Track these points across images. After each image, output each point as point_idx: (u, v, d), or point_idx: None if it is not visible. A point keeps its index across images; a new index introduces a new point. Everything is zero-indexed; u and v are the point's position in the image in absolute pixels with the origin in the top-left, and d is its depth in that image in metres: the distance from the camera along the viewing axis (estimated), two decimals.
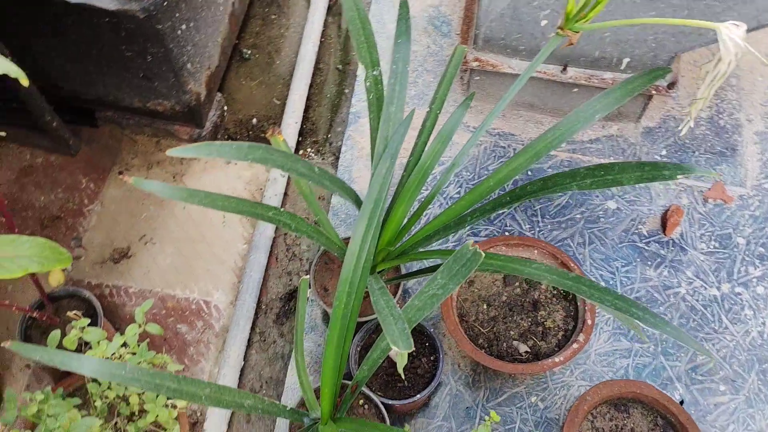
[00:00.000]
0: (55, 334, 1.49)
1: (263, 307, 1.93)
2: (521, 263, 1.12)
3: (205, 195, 1.16)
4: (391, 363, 1.59)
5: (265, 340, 1.89)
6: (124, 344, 1.50)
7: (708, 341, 1.71)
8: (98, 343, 1.46)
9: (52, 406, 1.39)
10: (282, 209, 1.30)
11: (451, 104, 2.03)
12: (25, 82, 1.12)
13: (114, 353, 1.48)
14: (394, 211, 1.43)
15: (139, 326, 1.51)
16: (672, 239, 1.83)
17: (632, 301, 0.99)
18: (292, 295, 1.95)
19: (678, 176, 1.03)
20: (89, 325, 1.61)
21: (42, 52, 1.88)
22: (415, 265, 1.81)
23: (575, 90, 1.91)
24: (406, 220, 1.44)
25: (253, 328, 1.90)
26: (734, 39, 0.76)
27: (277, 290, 1.96)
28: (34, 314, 1.63)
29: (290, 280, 1.97)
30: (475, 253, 0.99)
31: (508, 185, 1.67)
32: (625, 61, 1.79)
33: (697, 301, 1.75)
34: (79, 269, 1.97)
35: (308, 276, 1.35)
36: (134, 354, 1.50)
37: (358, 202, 1.22)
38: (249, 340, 1.88)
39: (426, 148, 1.40)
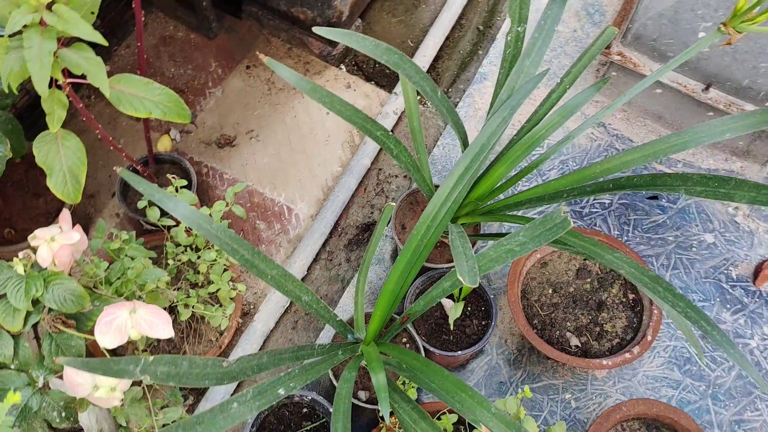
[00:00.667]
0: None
1: (339, 229, 1.99)
2: (603, 248, 1.12)
3: (327, 93, 1.20)
4: (443, 315, 1.62)
5: (331, 260, 1.96)
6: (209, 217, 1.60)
7: (762, 400, 1.65)
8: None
9: (132, 248, 1.49)
10: (390, 133, 1.33)
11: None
12: None
13: None
14: (494, 170, 1.44)
15: (227, 205, 1.59)
16: (760, 290, 1.76)
17: (703, 314, 0.97)
18: (368, 227, 2.00)
19: None
20: (187, 191, 1.71)
21: None
22: (495, 230, 1.82)
23: (710, 113, 1.84)
24: (501, 183, 1.45)
25: (324, 246, 1.96)
26: None
27: (357, 218, 2.01)
28: (138, 167, 1.75)
29: (371, 212, 2.02)
30: (564, 221, 0.99)
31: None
32: None
33: (765, 358, 1.69)
34: (185, 143, 2.09)
35: (393, 203, 1.38)
36: None
37: (465, 142, 1.24)
38: (317, 255, 1.95)
39: (544, 119, 1.40)
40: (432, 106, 2.20)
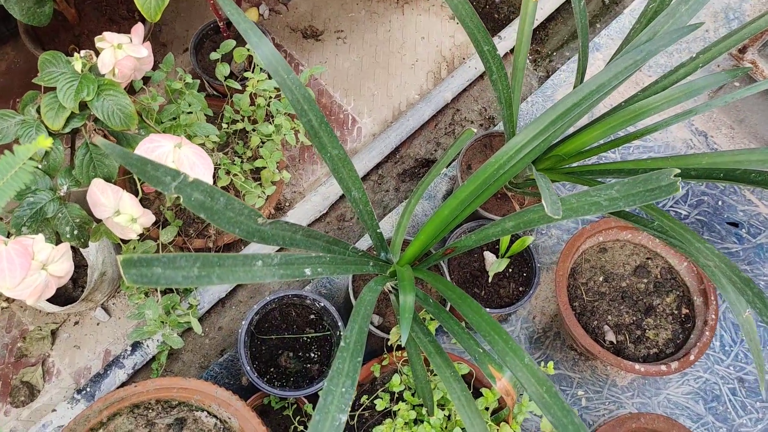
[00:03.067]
0: (230, 41, 1.50)
1: (397, 156, 1.89)
2: (693, 235, 1.00)
3: None
4: (482, 267, 1.52)
5: (380, 184, 1.86)
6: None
7: None
8: (260, 70, 1.47)
9: (193, 95, 1.41)
10: (497, 53, 1.21)
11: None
12: None
13: (266, 89, 1.49)
14: (589, 131, 1.31)
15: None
16: None
17: None
18: (427, 163, 1.89)
19: None
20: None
21: None
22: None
23: None
24: (594, 145, 1.33)
25: (377, 167, 1.86)
26: None
27: (419, 150, 1.90)
28: (221, 24, 1.66)
29: (435, 149, 1.91)
30: (672, 185, 0.87)
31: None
32: None
33: None
34: (272, 23, 1.99)
35: (474, 129, 1.27)
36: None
37: (583, 76, 1.11)
38: (368, 175, 1.85)
39: (664, 91, 1.26)
40: (530, 65, 2.06)
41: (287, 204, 1.78)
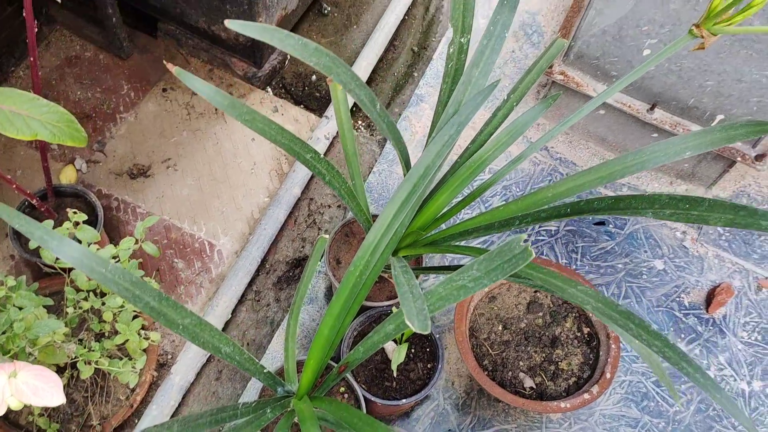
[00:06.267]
0: (48, 222, 1.38)
1: (267, 266, 1.81)
2: (567, 282, 0.99)
3: (248, 110, 1.04)
4: (384, 359, 1.46)
5: (259, 301, 1.77)
6: (116, 257, 1.39)
7: None
8: (89, 244, 1.35)
9: (21, 296, 1.28)
10: (321, 156, 1.18)
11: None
12: None
13: None
14: (436, 198, 1.30)
15: (136, 241, 1.40)
16: (713, 318, 1.68)
17: (684, 354, 0.85)
18: (300, 263, 1.83)
19: None
20: (88, 226, 1.51)
21: None
22: (437, 263, 1.68)
23: (654, 135, 1.78)
24: (445, 210, 1.32)
25: (250, 285, 1.78)
26: None
27: (287, 253, 1.84)
28: (34, 201, 1.53)
29: (303, 246, 1.85)
30: (525, 251, 0.86)
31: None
32: (718, 117, 1.65)
33: (725, 389, 1.60)
34: (93, 174, 1.87)
35: (326, 236, 1.23)
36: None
37: (407, 163, 1.10)
38: (243, 296, 1.76)
39: (490, 139, 1.28)
40: (365, 132, 2.06)
41: (169, 357, 1.66)
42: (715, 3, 0.80)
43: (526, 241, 0.87)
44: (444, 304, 0.95)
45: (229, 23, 0.80)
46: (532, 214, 1.15)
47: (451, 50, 1.20)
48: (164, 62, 0.97)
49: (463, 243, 1.67)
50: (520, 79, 1.25)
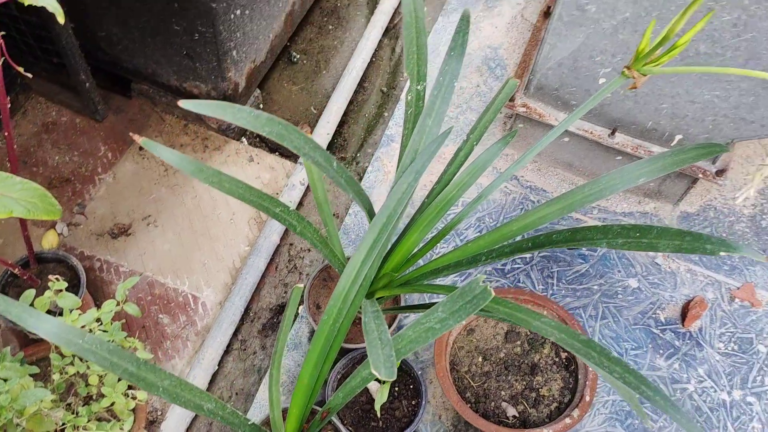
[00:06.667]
0: (30, 292, 1.41)
1: (251, 314, 1.84)
2: (530, 314, 1.03)
3: (214, 173, 1.08)
4: (370, 399, 1.49)
5: (245, 350, 1.80)
6: (99, 320, 1.42)
7: None
8: (70, 311, 1.38)
9: (5, 367, 1.30)
10: (291, 209, 1.22)
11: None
12: (61, 19, 1.07)
13: (84, 326, 1.40)
14: (407, 238, 1.34)
15: (118, 303, 1.42)
16: (689, 332, 1.72)
17: (643, 378, 0.88)
18: (283, 308, 1.86)
19: (720, 252, 0.94)
20: (69, 293, 1.54)
21: (94, 12, 1.85)
22: (416, 301, 1.72)
23: (618, 158, 1.83)
24: (416, 250, 1.36)
25: (235, 334, 1.80)
26: None
27: (270, 300, 1.87)
28: (16, 270, 1.56)
29: (285, 291, 1.89)
30: (484, 291, 0.90)
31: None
32: (677, 137, 1.71)
33: (704, 402, 1.63)
34: (75, 237, 1.91)
35: (301, 285, 1.26)
36: (105, 332, 1.42)
37: (371, 213, 1.14)
38: (229, 346, 1.79)
39: (454, 178, 1.32)
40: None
41: (159, 414, 1.67)
42: (641, 46, 0.85)
43: (485, 281, 0.91)
44: (414, 347, 0.98)
45: (182, 103, 0.85)
46: (497, 249, 1.19)
47: (410, 97, 1.25)
48: (132, 134, 1.01)
49: (437, 280, 1.71)
50: (478, 119, 1.31)
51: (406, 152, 1.12)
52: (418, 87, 1.23)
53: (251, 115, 0.87)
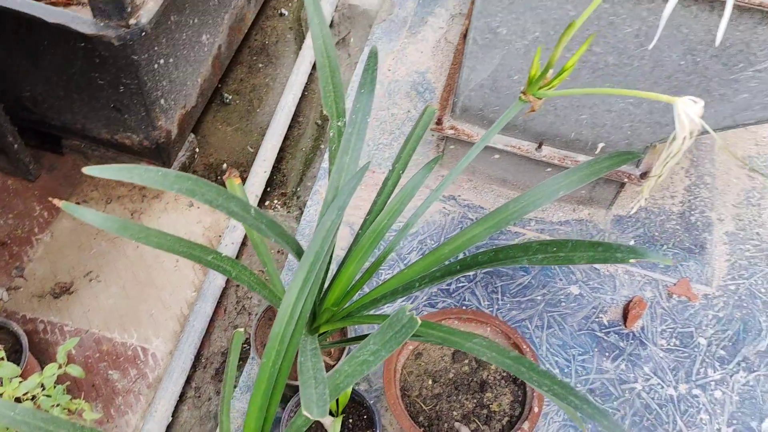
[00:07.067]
0: None
1: (203, 360, 1.83)
2: (462, 336, 1.05)
3: (139, 229, 1.09)
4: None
5: (199, 397, 1.78)
6: (42, 385, 1.40)
7: None
8: (10, 380, 1.36)
9: None
10: (223, 255, 1.23)
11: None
12: None
13: (27, 392, 1.37)
14: (344, 271, 1.36)
15: (60, 366, 1.41)
16: (632, 332, 1.77)
17: (570, 389, 0.92)
18: None
19: (630, 259, 0.98)
20: (13, 360, 1.52)
21: (14, 72, 1.84)
22: (365, 329, 1.73)
23: (548, 169, 1.89)
24: (355, 281, 1.38)
25: (188, 382, 1.79)
26: (690, 115, 0.72)
27: (221, 344, 1.86)
28: None
29: None
30: (411, 320, 0.92)
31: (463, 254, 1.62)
32: (600, 145, 1.77)
33: (653, 399, 1.68)
34: (16, 301, 1.87)
35: (242, 329, 1.27)
36: (49, 397, 1.39)
37: (299, 253, 1.15)
38: (183, 394, 1.77)
39: (385, 207, 1.35)
40: (282, 210, 2.12)
41: None
42: (532, 72, 0.90)
43: (411, 311, 0.93)
44: (352, 381, 1.00)
45: (86, 170, 0.86)
46: (429, 275, 1.22)
47: (332, 134, 1.28)
48: (50, 199, 1.01)
49: (383, 308, 1.73)
50: (401, 148, 1.34)
51: (327, 189, 1.14)
52: (339, 123, 1.26)
53: (158, 174, 0.89)
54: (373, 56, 1.16)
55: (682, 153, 0.76)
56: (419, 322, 0.92)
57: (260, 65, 2.47)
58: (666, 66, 1.49)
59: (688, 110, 0.71)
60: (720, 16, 1.37)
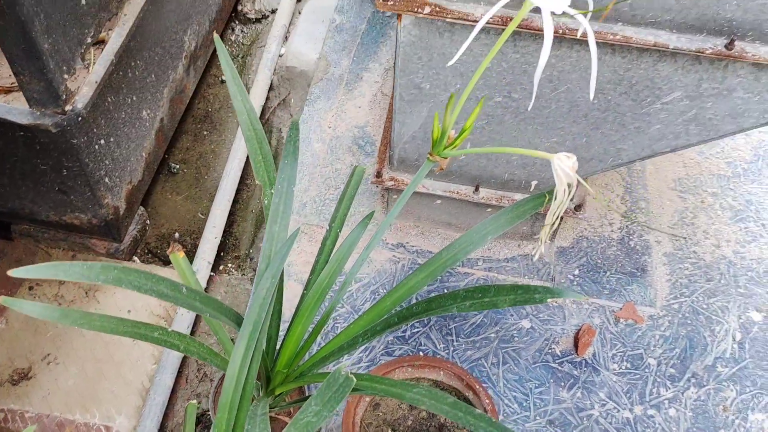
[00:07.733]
0: None
1: None
2: (404, 387, 1.09)
3: (80, 315, 1.12)
4: None
5: None
6: None
7: None
8: None
9: None
10: (170, 329, 1.26)
11: (373, 223, 2.06)
12: None
13: None
14: (292, 332, 1.40)
15: None
16: (585, 359, 1.82)
17: (498, 425, 0.96)
18: (200, 419, 1.86)
19: (547, 299, 1.04)
20: None
21: None
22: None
23: (489, 210, 1.96)
24: (303, 342, 1.41)
25: None
26: (564, 169, 0.79)
27: (184, 414, 1.86)
28: None
29: (200, 402, 1.89)
30: (347, 379, 0.96)
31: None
32: (534, 183, 1.85)
33: (611, 423, 1.72)
34: None
35: (195, 402, 1.29)
36: None
37: (239, 323, 1.19)
38: None
39: (326, 267, 1.39)
40: (237, 273, 2.15)
41: None
42: (434, 135, 0.96)
43: (346, 370, 0.97)
44: None
45: (11, 272, 0.89)
46: (371, 329, 1.26)
47: (266, 202, 1.33)
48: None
49: (340, 363, 1.76)
50: (336, 208, 1.39)
51: (261, 258, 1.19)
52: (271, 191, 1.31)
53: (84, 267, 0.93)
54: (294, 128, 1.22)
55: (567, 203, 0.83)
56: (354, 380, 0.96)
57: (205, 132, 2.52)
58: (581, 106, 1.58)
59: (563, 165, 0.78)
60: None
